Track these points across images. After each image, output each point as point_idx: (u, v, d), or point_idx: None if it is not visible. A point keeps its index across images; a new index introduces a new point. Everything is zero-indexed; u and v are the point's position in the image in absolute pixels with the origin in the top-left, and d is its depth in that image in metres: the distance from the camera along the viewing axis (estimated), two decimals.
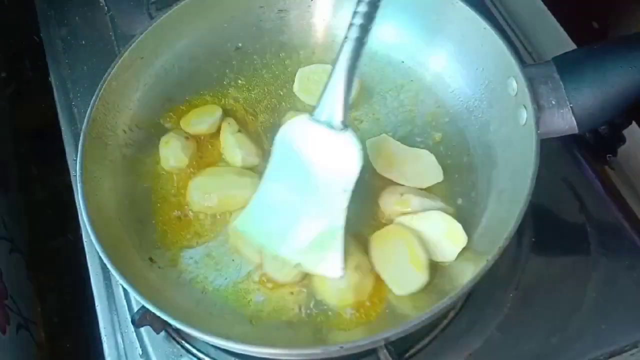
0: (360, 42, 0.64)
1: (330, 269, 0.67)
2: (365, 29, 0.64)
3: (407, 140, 0.76)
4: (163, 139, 0.78)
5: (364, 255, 0.68)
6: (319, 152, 0.67)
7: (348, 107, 0.65)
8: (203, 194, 0.74)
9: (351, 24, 0.64)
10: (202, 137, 0.79)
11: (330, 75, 0.65)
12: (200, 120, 0.79)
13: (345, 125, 0.65)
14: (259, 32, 0.85)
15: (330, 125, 0.65)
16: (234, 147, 0.77)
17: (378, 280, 0.67)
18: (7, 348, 0.91)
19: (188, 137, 0.78)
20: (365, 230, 0.70)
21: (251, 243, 0.70)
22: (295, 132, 0.68)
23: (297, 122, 0.68)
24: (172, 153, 0.76)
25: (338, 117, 0.65)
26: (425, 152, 0.74)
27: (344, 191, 0.66)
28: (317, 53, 0.85)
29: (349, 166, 0.66)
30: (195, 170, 0.77)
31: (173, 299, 0.67)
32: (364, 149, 0.69)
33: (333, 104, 0.65)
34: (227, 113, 0.81)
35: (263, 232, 0.70)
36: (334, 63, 0.65)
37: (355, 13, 0.64)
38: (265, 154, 0.77)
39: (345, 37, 0.64)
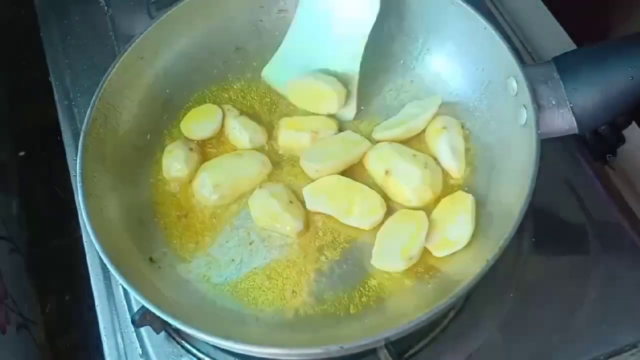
0: None
1: (346, 112, 0.78)
2: None
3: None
4: (168, 148, 0.78)
5: (428, 154, 0.74)
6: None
7: None
8: (213, 188, 0.74)
9: None
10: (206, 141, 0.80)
11: None
12: (201, 125, 0.79)
13: None
14: (258, 32, 0.85)
15: None
16: (240, 130, 0.78)
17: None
18: (7, 348, 0.91)
19: (192, 148, 0.77)
20: None
21: (277, 90, 0.81)
22: None
23: None
24: (173, 163, 0.76)
25: None
26: None
27: (362, 36, 0.76)
28: None
29: (368, 10, 0.75)
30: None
31: (173, 299, 0.67)
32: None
33: None
34: (227, 113, 0.81)
35: (288, 80, 0.79)
36: None
37: None
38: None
39: None
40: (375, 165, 0.73)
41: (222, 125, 0.79)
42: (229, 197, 0.75)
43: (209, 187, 0.74)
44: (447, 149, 0.72)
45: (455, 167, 0.72)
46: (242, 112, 0.80)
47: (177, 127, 0.80)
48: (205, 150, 0.79)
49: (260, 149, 0.78)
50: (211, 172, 0.75)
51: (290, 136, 0.78)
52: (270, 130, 0.80)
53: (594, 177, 0.78)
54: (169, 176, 0.77)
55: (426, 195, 0.71)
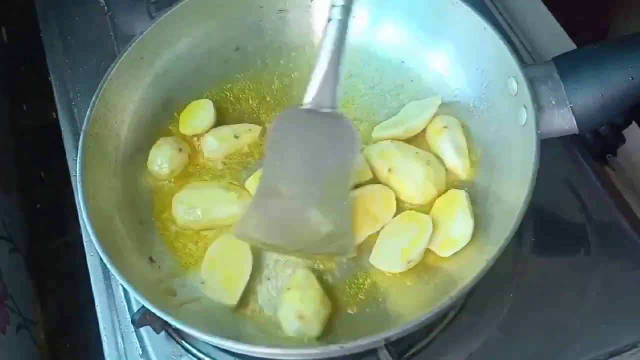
0: (344, 24, 0.64)
1: (344, 251, 0.68)
2: (348, 9, 0.64)
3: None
4: (158, 141, 0.77)
5: (430, 152, 0.73)
6: (315, 140, 0.68)
7: (338, 92, 0.66)
8: (187, 208, 0.73)
9: (333, 5, 0.64)
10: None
11: (316, 60, 0.65)
12: (196, 119, 0.79)
13: (336, 110, 0.66)
14: (259, 32, 0.85)
15: (323, 112, 0.66)
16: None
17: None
18: (7, 348, 0.91)
19: (181, 149, 0.77)
20: None
21: (258, 246, 0.69)
22: (288, 123, 0.69)
23: (288, 112, 0.69)
24: (157, 158, 0.76)
25: (328, 103, 0.66)
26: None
27: (345, 175, 0.67)
28: (317, 53, 0.85)
29: (348, 151, 0.67)
30: (179, 183, 0.76)
31: (173, 299, 0.67)
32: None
33: (323, 91, 0.66)
34: (227, 113, 0.82)
35: (268, 234, 0.68)
36: (319, 48, 0.65)
37: None
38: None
39: (329, 19, 0.64)
40: (377, 163, 0.73)
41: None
42: (205, 225, 0.73)
43: (185, 210, 0.73)
44: (449, 147, 0.73)
45: (460, 165, 0.72)
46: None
47: (177, 128, 0.80)
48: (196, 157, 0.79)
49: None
50: (185, 198, 0.73)
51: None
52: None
53: (594, 177, 0.78)
54: (151, 169, 0.76)
55: (430, 193, 0.71)
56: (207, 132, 0.79)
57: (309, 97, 0.67)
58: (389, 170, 0.72)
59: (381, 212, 0.70)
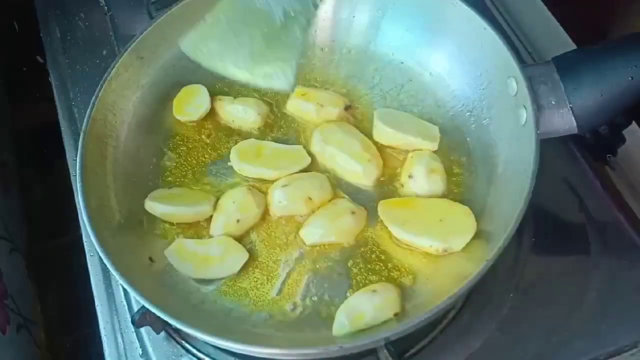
0: None
1: (281, 83, 0.77)
2: None
3: None
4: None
5: (366, 139, 0.75)
6: None
7: None
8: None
9: None
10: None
11: None
12: (190, 105, 0.81)
13: None
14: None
15: None
16: (244, 109, 0.80)
17: None
18: (7, 348, 0.91)
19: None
20: None
21: (199, 63, 0.73)
22: None
23: None
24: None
25: None
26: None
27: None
28: (317, 53, 0.85)
29: None
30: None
31: (173, 299, 0.67)
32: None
33: None
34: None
35: (212, 53, 0.74)
36: None
37: None
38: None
39: None
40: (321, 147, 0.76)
41: (223, 114, 0.81)
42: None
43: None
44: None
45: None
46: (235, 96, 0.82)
47: (177, 127, 0.80)
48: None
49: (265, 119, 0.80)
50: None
51: (298, 104, 0.79)
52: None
53: (594, 177, 0.78)
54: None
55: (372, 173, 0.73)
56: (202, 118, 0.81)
57: None
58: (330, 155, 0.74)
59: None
